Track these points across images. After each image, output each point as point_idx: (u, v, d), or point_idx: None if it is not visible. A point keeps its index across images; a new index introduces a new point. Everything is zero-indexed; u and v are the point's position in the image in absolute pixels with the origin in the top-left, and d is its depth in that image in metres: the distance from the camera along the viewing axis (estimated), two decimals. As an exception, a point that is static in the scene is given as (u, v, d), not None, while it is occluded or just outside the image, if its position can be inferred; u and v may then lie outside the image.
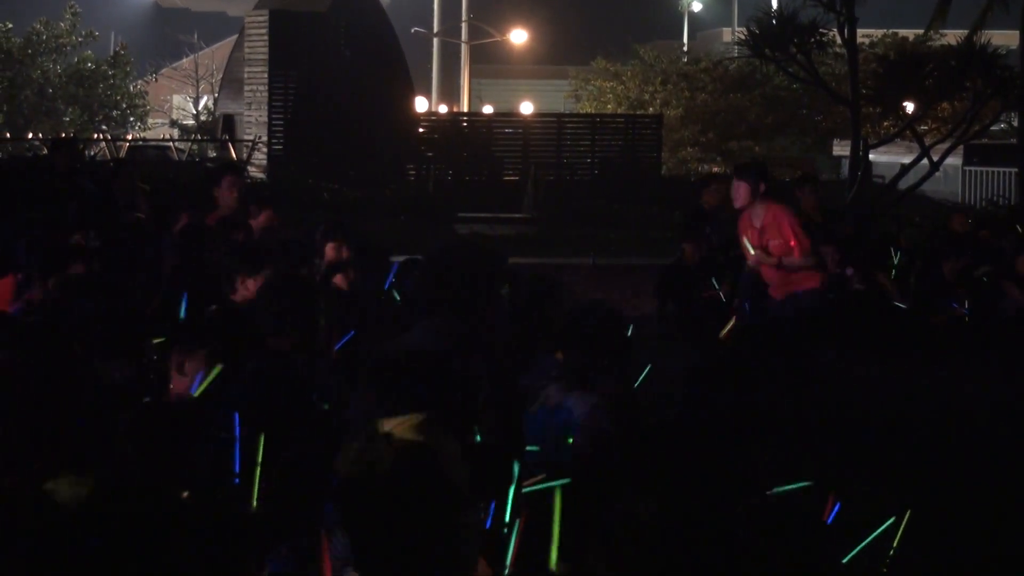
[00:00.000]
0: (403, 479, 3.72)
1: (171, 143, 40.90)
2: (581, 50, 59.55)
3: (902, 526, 5.13)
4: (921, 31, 37.82)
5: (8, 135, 46.48)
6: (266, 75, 34.35)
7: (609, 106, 48.31)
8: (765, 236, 12.35)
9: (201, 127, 49.05)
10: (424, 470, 3.75)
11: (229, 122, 36.07)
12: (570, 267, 19.52)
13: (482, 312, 5.81)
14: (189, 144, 40.47)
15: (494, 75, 71.58)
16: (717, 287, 14.62)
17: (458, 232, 26.98)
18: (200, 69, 59.95)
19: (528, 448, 5.83)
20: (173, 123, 55.55)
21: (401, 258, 10.19)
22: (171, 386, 6.37)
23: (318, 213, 21.99)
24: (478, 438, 4.91)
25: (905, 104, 31.15)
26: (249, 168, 33.62)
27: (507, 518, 4.45)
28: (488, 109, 53.20)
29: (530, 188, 31.53)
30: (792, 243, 12.21)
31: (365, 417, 4.87)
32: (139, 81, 55.79)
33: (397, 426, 3.86)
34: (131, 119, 53.07)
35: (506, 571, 4.14)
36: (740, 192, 12.45)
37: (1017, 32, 31.35)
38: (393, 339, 6.68)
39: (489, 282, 5.82)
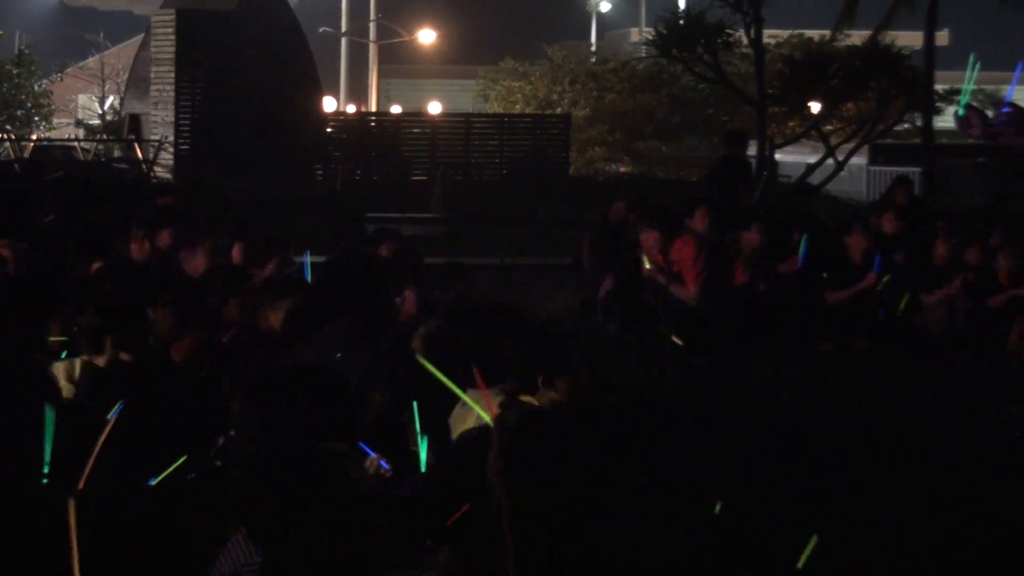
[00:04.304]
0: None
1: (76, 143, 40.39)
2: (489, 50, 59.55)
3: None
4: (827, 32, 38.12)
5: (-90, 135, 45.86)
6: (173, 74, 34.12)
7: (517, 106, 48.38)
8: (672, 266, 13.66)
9: (107, 127, 48.56)
10: None
11: (135, 122, 35.80)
12: (478, 267, 19.46)
13: (377, 317, 5.78)
14: (95, 144, 40.02)
15: (402, 75, 71.44)
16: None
17: (367, 231, 26.79)
18: (106, 68, 59.34)
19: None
20: (79, 123, 54.81)
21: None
22: None
23: (227, 213, 21.80)
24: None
25: (810, 104, 31.36)
26: (155, 168, 33.36)
27: None
28: (396, 109, 53.08)
29: (438, 188, 31.47)
30: (689, 288, 13.53)
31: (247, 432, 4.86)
32: (44, 80, 55.12)
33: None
34: (36, 119, 52.46)
35: None
36: (651, 240, 13.71)
37: (921, 33, 31.64)
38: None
39: (385, 286, 5.79)
